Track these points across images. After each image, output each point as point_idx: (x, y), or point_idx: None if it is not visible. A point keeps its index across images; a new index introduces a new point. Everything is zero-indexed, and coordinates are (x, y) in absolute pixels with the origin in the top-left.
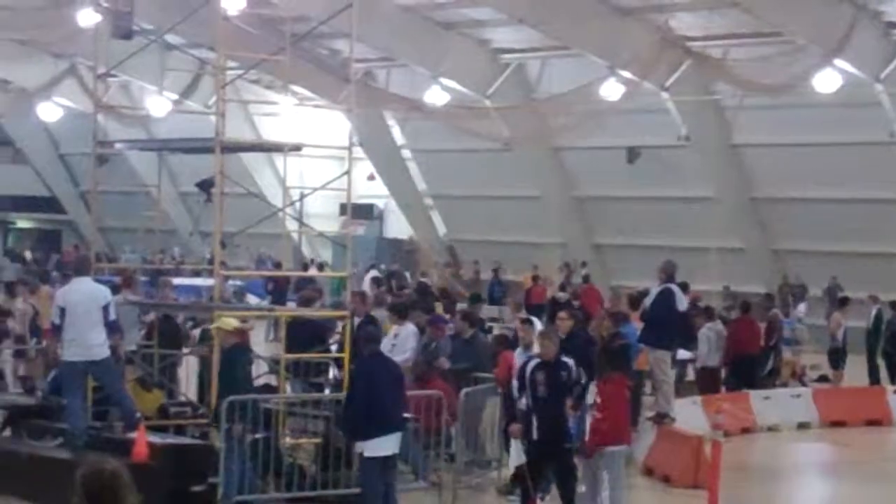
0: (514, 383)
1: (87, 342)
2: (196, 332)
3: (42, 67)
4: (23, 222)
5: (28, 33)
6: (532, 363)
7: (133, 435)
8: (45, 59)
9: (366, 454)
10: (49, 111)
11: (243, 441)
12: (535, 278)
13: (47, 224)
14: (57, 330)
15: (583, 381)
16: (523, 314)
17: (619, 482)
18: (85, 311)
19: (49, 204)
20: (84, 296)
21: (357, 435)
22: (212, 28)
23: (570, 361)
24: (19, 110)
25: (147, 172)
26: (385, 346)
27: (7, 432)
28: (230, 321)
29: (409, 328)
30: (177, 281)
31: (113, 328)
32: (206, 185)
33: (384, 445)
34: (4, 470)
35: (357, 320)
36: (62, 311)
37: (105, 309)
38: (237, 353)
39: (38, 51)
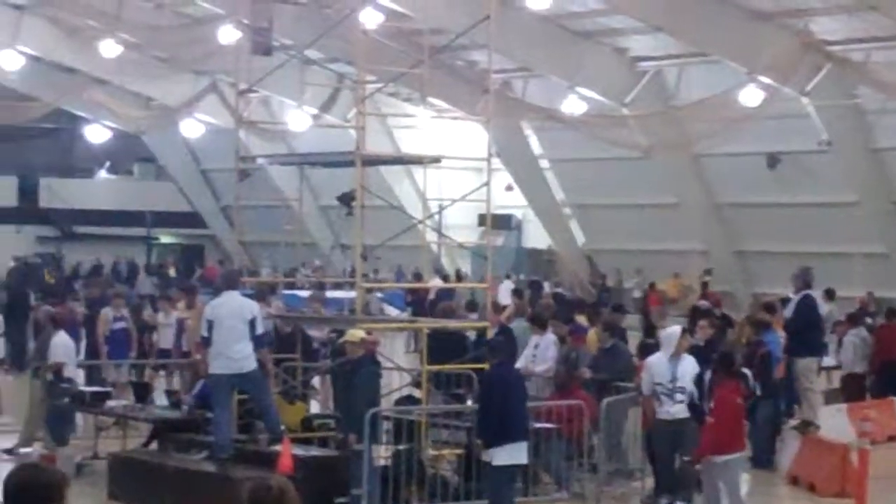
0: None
1: (234, 355)
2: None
3: (184, 84)
4: (166, 238)
5: (170, 51)
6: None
7: (277, 447)
8: (186, 77)
9: (495, 463)
10: (191, 127)
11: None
12: (651, 286)
13: (190, 239)
14: (205, 343)
15: (758, 392)
16: (672, 322)
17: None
18: (232, 325)
19: (191, 219)
20: (231, 310)
21: (487, 444)
22: (350, 42)
23: (747, 372)
24: (162, 127)
25: (287, 186)
26: (526, 356)
27: (154, 445)
28: (356, 332)
29: (550, 338)
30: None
31: (260, 342)
32: (346, 199)
33: (514, 454)
34: (152, 483)
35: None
36: (210, 324)
37: (252, 323)
38: (363, 365)
39: (180, 68)
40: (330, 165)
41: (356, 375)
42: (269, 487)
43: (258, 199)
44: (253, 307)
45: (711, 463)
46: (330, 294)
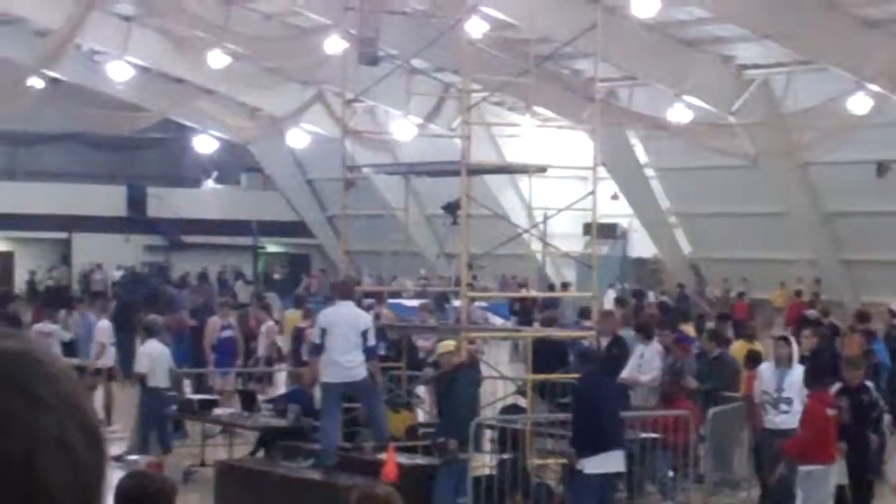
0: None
1: (346, 364)
2: None
3: (290, 94)
4: (273, 247)
5: (277, 61)
6: (834, 388)
7: (383, 455)
8: (292, 87)
9: (587, 470)
10: (297, 137)
11: (456, 461)
12: (740, 295)
13: (296, 248)
14: (317, 350)
15: (881, 404)
16: (779, 332)
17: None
18: (345, 334)
19: (297, 229)
20: (345, 319)
21: (580, 452)
22: (456, 52)
23: (870, 385)
24: (268, 137)
25: (393, 196)
26: (631, 365)
27: (260, 454)
28: (447, 343)
29: (655, 347)
30: (412, 302)
31: (372, 353)
32: (452, 208)
33: (607, 462)
34: (258, 491)
35: (605, 341)
36: (323, 332)
37: (364, 334)
38: (462, 373)
39: (287, 78)
40: (436, 175)
41: (453, 384)
42: (376, 495)
43: (363, 209)
44: (367, 318)
45: (795, 469)
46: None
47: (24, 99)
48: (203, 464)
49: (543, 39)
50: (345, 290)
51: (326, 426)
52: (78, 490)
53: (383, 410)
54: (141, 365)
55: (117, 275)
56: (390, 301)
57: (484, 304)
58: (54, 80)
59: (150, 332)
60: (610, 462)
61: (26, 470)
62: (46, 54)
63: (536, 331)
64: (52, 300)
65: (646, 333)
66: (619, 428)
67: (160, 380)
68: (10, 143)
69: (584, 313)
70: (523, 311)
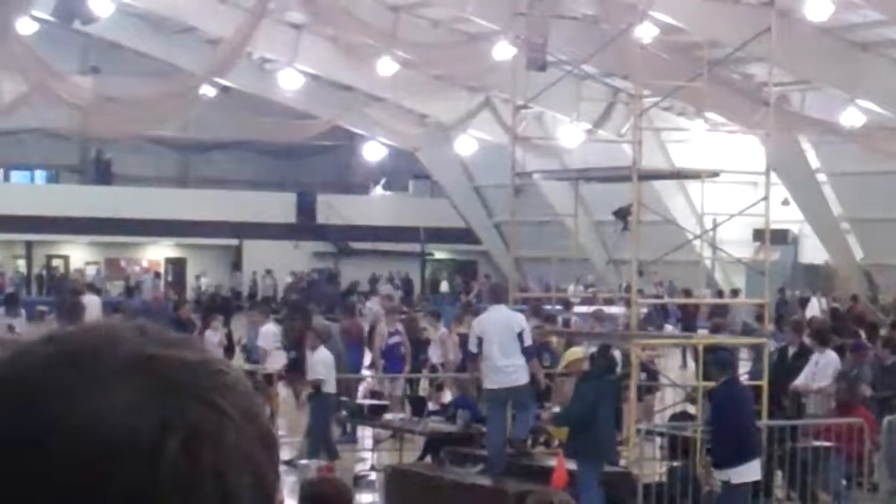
0: None
1: (507, 368)
2: None
3: (458, 101)
4: (440, 253)
5: (445, 68)
6: None
7: (552, 462)
8: (461, 93)
9: (734, 481)
10: (465, 144)
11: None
12: (853, 298)
13: (463, 255)
14: (473, 359)
15: None
16: None
17: None
18: (502, 339)
19: (465, 235)
20: (500, 324)
21: (726, 463)
22: (627, 57)
23: None
24: (436, 144)
25: (560, 202)
26: (805, 373)
27: (428, 459)
28: (575, 350)
29: (830, 355)
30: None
31: (529, 353)
32: (623, 214)
33: (749, 472)
34: (427, 495)
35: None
36: (480, 340)
37: (520, 335)
38: (583, 381)
39: (455, 85)
40: (606, 180)
41: (575, 391)
42: (551, 502)
43: (531, 215)
44: (520, 319)
45: None
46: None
47: (195, 107)
48: (373, 468)
49: (715, 43)
50: (496, 294)
51: (492, 433)
52: (260, 502)
53: (533, 414)
54: (316, 371)
55: (287, 281)
56: (557, 307)
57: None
58: (225, 89)
59: (323, 338)
60: (753, 471)
61: (218, 484)
62: (218, 63)
63: (707, 337)
64: (220, 306)
65: (820, 340)
66: (758, 436)
67: (330, 386)
68: (182, 151)
69: (760, 319)
70: (686, 318)
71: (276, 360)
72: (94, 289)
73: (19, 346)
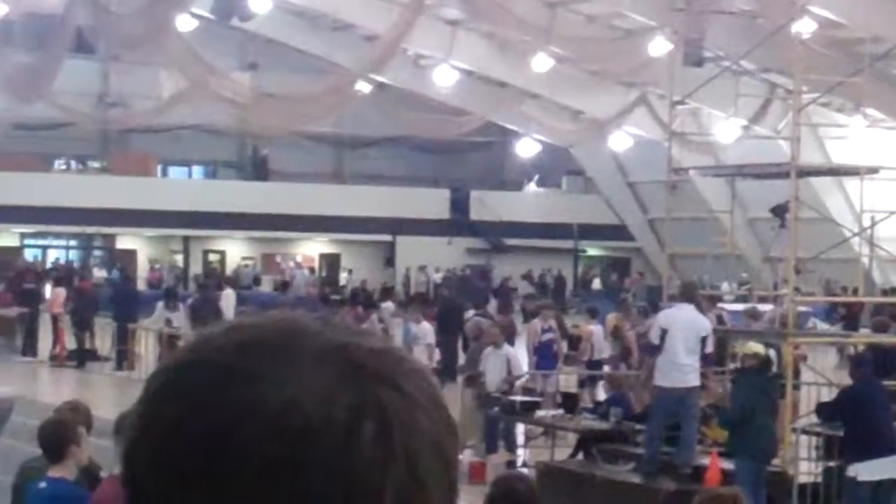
0: None
1: (685, 367)
2: None
3: (613, 97)
4: (593, 250)
5: (600, 64)
6: None
7: (705, 461)
8: (616, 89)
9: (860, 478)
10: (619, 140)
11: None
12: None
13: (616, 252)
14: (655, 351)
15: None
16: None
17: None
18: (686, 337)
19: (618, 232)
20: (687, 321)
21: (853, 458)
22: (785, 52)
23: None
24: (590, 140)
25: (715, 198)
26: None
27: (580, 456)
28: (751, 345)
29: None
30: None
31: (708, 361)
32: (780, 211)
33: (880, 470)
34: (579, 492)
35: None
36: (664, 332)
37: (704, 340)
38: (740, 380)
39: (610, 81)
40: (762, 177)
41: (739, 387)
42: (721, 496)
43: (685, 211)
44: (707, 324)
45: None
46: (760, 308)
47: (351, 103)
48: (525, 465)
49: (876, 39)
50: (687, 293)
51: (652, 431)
52: (447, 490)
53: (695, 435)
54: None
55: (439, 277)
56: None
57: (805, 308)
58: (381, 85)
59: (475, 335)
60: (885, 468)
61: (409, 468)
62: (374, 59)
63: (867, 336)
64: (368, 302)
65: None
66: (892, 434)
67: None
68: (338, 147)
69: None
70: (849, 317)
71: (434, 357)
72: (231, 282)
73: (202, 335)
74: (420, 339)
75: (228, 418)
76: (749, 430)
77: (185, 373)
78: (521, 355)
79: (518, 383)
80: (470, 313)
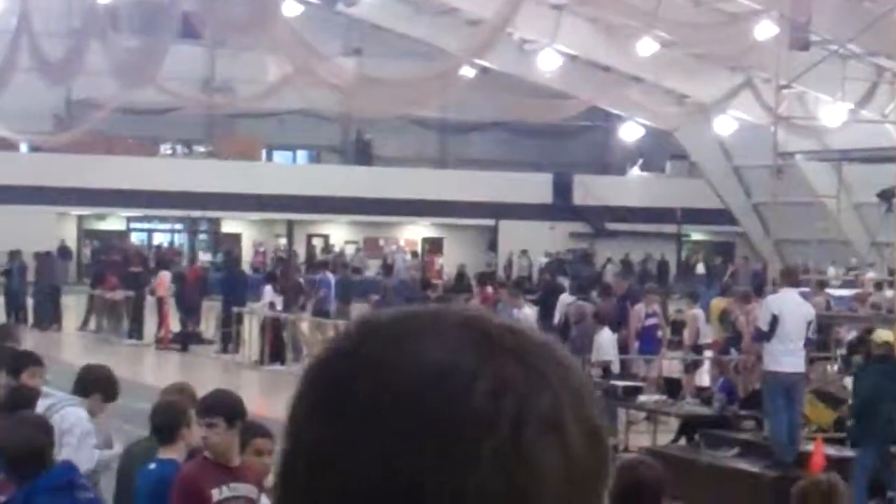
0: None
1: (797, 352)
2: None
3: (718, 81)
4: (696, 234)
5: (706, 48)
6: None
7: (809, 447)
8: (721, 73)
9: None
10: (723, 124)
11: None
12: None
13: (720, 236)
14: (764, 337)
15: None
16: None
17: None
18: (795, 321)
19: (721, 216)
20: (796, 306)
21: None
22: (892, 36)
23: None
24: (694, 124)
25: (820, 183)
26: None
27: (682, 441)
28: (881, 333)
29: None
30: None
31: (810, 345)
32: (887, 195)
33: None
34: (683, 478)
35: None
36: (775, 319)
37: (809, 325)
38: (873, 365)
39: (715, 65)
40: (869, 161)
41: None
42: (820, 482)
43: (791, 196)
44: (811, 309)
45: None
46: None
47: (455, 88)
48: (626, 449)
49: None
50: (790, 276)
51: (775, 424)
52: (571, 480)
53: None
54: (607, 353)
55: (542, 261)
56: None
57: None
58: (484, 69)
59: (603, 319)
60: None
61: (514, 437)
62: (478, 44)
63: None
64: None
65: None
66: None
67: (616, 366)
68: (441, 132)
69: None
70: None
71: None
72: (325, 265)
73: (368, 316)
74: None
75: (370, 395)
76: (874, 419)
77: (342, 364)
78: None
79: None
80: (571, 298)
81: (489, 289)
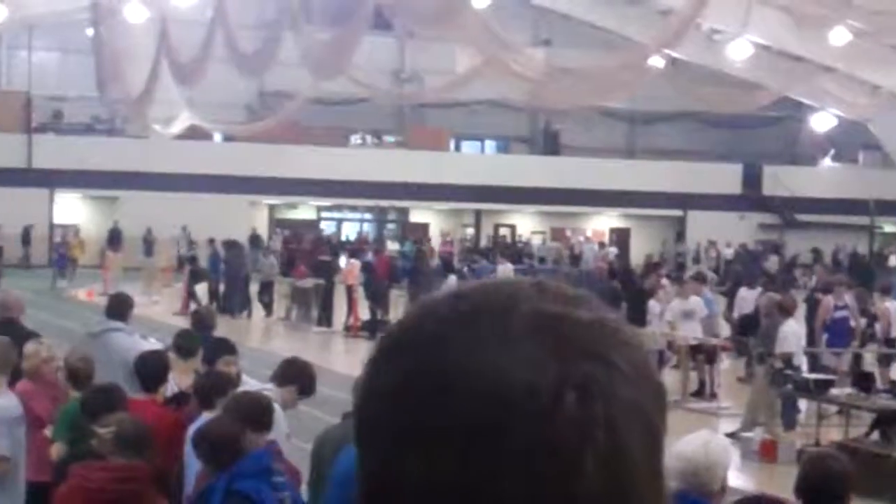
0: None
1: None
2: None
3: None
4: (889, 226)
5: None
6: None
7: None
8: None
9: None
10: None
11: None
12: None
13: None
14: None
15: None
16: None
17: None
18: None
19: None
20: None
21: None
22: None
23: None
24: (889, 114)
25: None
26: None
27: (874, 436)
28: None
29: None
30: None
31: None
32: None
33: None
34: (874, 472)
35: None
36: None
37: None
38: None
39: None
40: None
41: None
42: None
43: None
44: None
45: None
46: None
47: (644, 78)
48: (817, 443)
49: None
50: None
51: None
52: (652, 456)
53: None
54: (789, 345)
55: (729, 252)
56: None
57: None
58: (673, 60)
59: (787, 312)
60: None
61: (609, 431)
62: (668, 34)
63: None
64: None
65: None
66: None
67: (799, 359)
68: (629, 122)
69: None
70: None
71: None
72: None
73: (431, 300)
74: (693, 314)
75: (443, 382)
76: None
77: (410, 337)
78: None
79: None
80: (749, 291)
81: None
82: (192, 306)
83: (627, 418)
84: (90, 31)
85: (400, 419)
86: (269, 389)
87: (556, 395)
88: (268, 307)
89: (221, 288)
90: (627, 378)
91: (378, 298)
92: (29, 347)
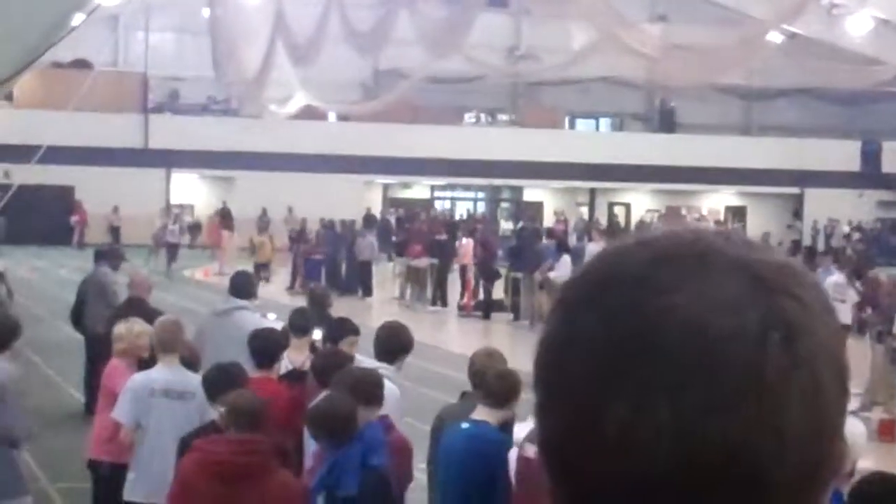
0: None
1: None
2: None
3: None
4: None
5: None
6: None
7: None
8: None
9: None
10: None
11: None
12: None
13: None
14: None
15: None
16: None
17: None
18: None
19: None
20: None
21: None
22: None
23: None
24: None
25: None
26: None
27: None
28: None
29: None
30: None
31: None
32: None
33: None
34: None
35: None
36: None
37: None
38: None
39: None
40: None
41: None
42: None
43: None
44: None
45: None
46: None
47: (761, 54)
48: None
49: None
50: None
51: None
52: (841, 394)
53: None
54: None
55: (845, 230)
56: None
57: None
58: (791, 35)
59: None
60: None
61: (811, 375)
62: (787, 9)
63: None
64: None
65: None
66: None
67: None
68: (746, 98)
69: None
70: None
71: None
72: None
73: (614, 249)
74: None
75: (647, 326)
76: None
77: (604, 284)
78: None
79: None
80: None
81: None
82: (299, 284)
83: (825, 360)
84: (206, 12)
85: (604, 365)
86: (384, 367)
87: (762, 333)
88: (366, 288)
89: (342, 269)
90: (819, 317)
91: (491, 278)
92: (120, 328)
